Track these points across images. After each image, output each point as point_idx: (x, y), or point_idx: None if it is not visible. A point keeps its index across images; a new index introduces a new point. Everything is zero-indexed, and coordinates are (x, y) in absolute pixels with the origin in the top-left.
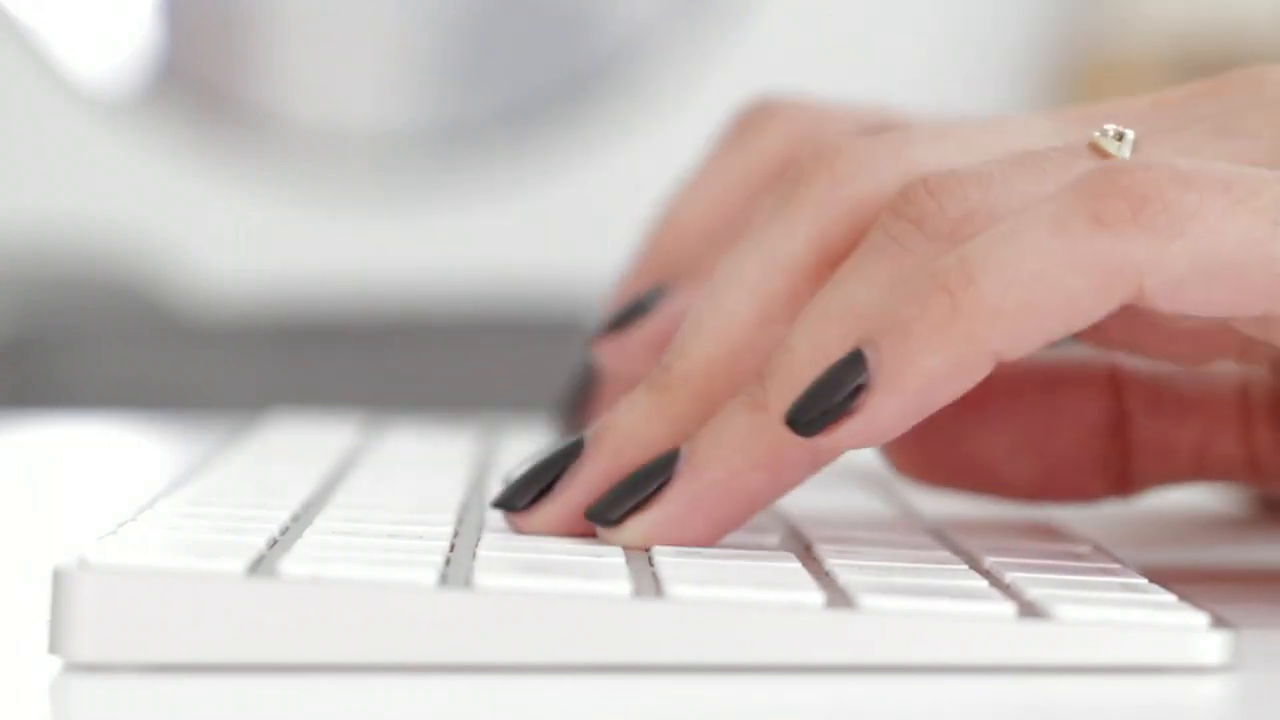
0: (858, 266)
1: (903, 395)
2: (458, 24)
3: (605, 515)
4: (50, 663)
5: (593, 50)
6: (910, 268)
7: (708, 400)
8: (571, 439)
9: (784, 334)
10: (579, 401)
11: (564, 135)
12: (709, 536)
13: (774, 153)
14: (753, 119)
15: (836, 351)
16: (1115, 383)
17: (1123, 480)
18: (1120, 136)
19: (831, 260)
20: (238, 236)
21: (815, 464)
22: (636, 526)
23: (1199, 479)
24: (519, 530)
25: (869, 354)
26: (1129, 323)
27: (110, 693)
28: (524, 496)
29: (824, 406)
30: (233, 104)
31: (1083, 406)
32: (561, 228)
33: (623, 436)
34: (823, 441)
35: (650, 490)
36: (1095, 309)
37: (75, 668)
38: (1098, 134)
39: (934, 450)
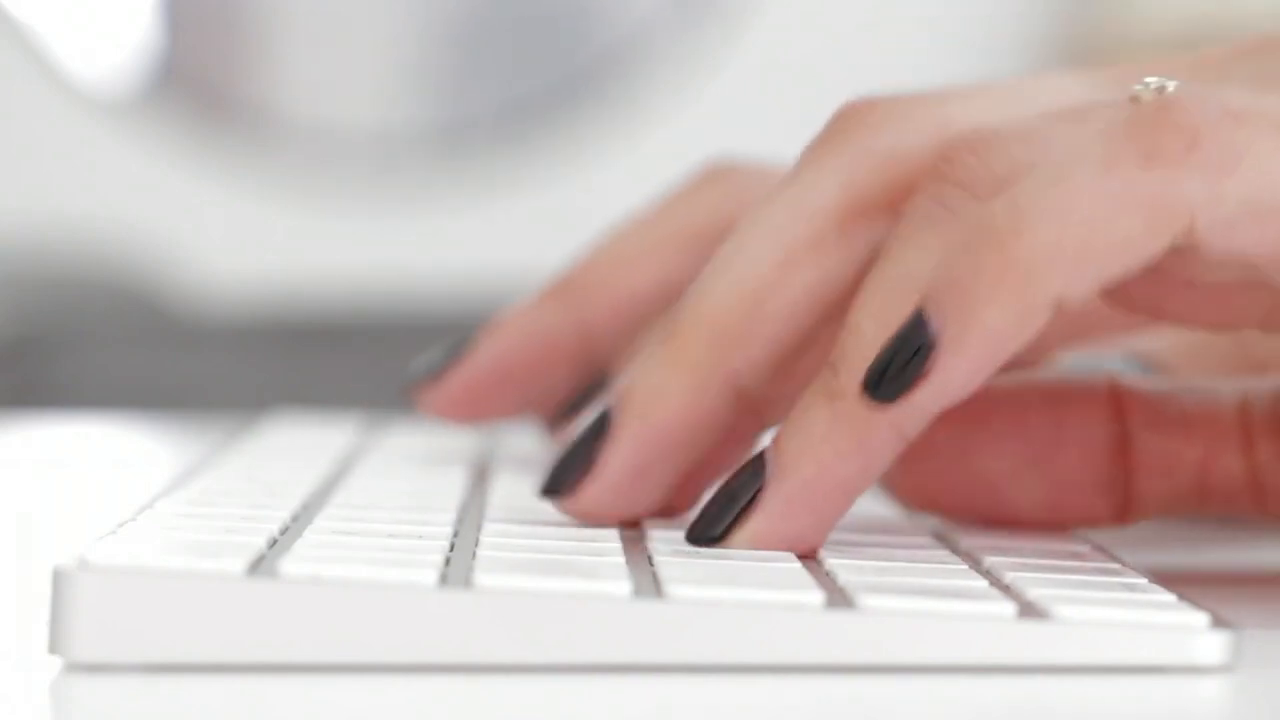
0: (910, 236)
1: (971, 351)
2: (457, 24)
3: (709, 534)
4: (50, 663)
5: (592, 50)
6: (961, 230)
7: (725, 346)
8: (597, 412)
9: (843, 317)
10: (436, 376)
11: (563, 135)
12: (815, 534)
13: (714, 209)
14: (704, 175)
15: (900, 322)
16: (1116, 399)
17: (1126, 502)
18: (1161, 89)
19: (861, 210)
20: (237, 236)
21: (902, 438)
22: (741, 537)
23: (1201, 501)
24: (570, 514)
25: (931, 316)
26: (1155, 283)
27: (110, 693)
28: (566, 479)
29: (895, 374)
30: (233, 104)
31: (1087, 423)
32: (561, 228)
33: (646, 397)
34: (903, 409)
35: (745, 501)
36: (1150, 247)
37: (75, 668)
38: (1138, 87)
39: (938, 473)
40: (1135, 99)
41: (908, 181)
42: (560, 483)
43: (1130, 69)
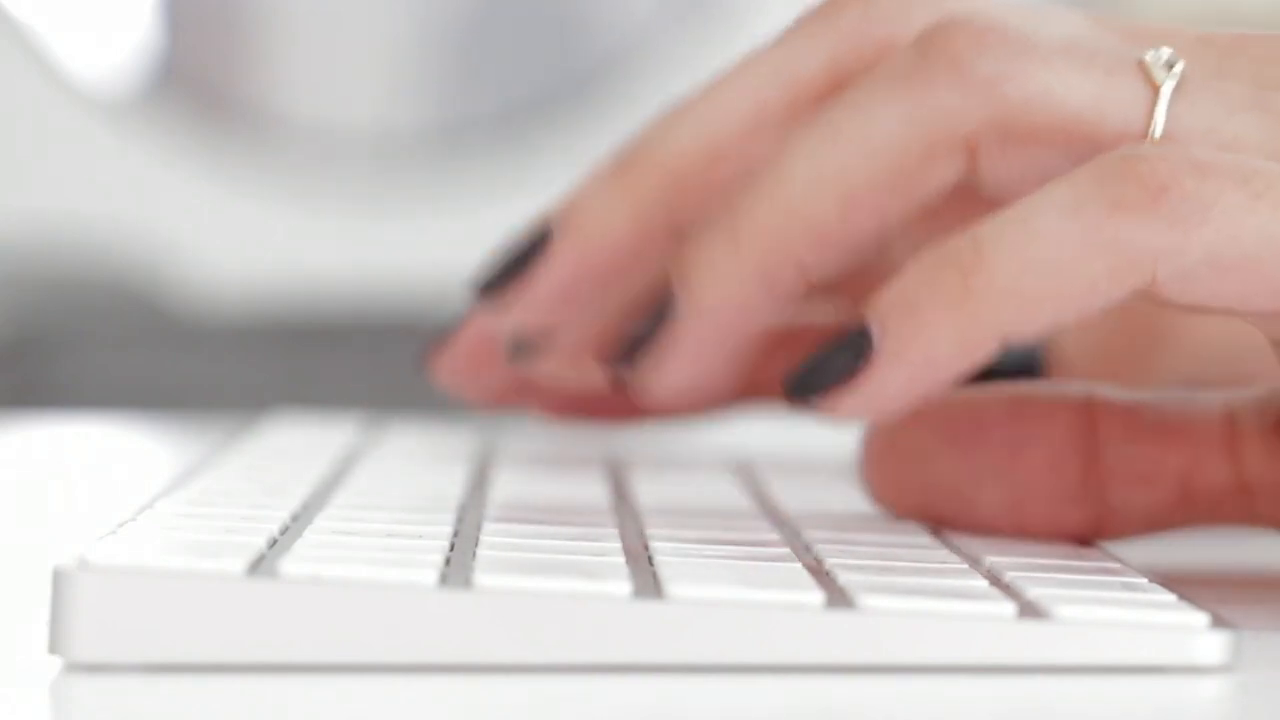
0: (877, 87)
1: (906, 368)
2: (458, 24)
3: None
4: (50, 663)
5: (591, 51)
6: (931, 110)
7: (676, 189)
8: (539, 223)
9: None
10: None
11: (563, 136)
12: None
13: (830, 56)
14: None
15: (844, 184)
16: (1089, 409)
17: (1104, 514)
18: (1170, 66)
19: (843, 87)
20: (238, 236)
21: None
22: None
23: (1187, 513)
24: (498, 321)
25: (874, 327)
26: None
27: (110, 693)
28: (498, 284)
29: (827, 372)
30: (233, 104)
31: (1050, 431)
32: None
33: (589, 219)
34: (823, 406)
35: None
36: (1107, 295)
37: (75, 668)
38: (1149, 55)
39: (905, 473)
40: (1143, 65)
41: None
42: (492, 286)
43: (1143, 30)
